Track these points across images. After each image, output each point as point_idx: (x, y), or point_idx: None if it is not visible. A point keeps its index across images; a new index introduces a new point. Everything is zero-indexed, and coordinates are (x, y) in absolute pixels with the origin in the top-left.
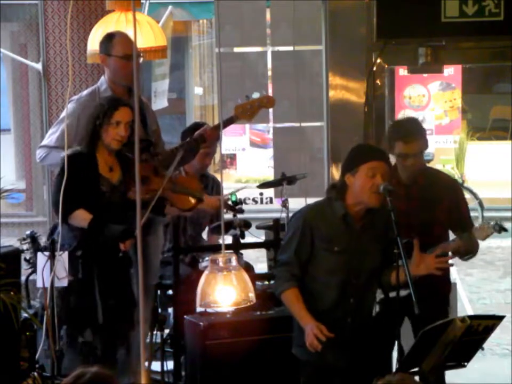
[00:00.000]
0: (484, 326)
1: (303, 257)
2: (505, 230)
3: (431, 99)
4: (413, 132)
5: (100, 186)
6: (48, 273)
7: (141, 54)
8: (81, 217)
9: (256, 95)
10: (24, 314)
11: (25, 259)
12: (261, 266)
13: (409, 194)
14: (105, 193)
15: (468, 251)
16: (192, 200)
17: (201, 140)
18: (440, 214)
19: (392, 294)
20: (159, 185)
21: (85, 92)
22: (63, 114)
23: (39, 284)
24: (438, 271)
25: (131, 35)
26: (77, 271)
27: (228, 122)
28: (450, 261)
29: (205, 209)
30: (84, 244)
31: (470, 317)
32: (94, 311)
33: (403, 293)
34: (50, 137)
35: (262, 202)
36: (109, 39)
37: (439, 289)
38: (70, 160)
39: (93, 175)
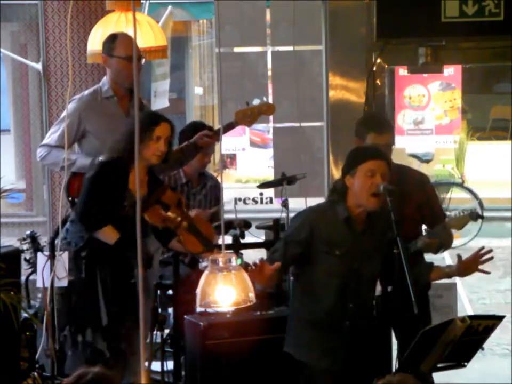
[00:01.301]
0: (484, 326)
1: (288, 253)
2: (482, 217)
3: (431, 99)
4: (384, 124)
5: (125, 200)
6: (48, 273)
7: (142, 55)
8: (110, 235)
9: (256, 102)
10: (24, 314)
11: (25, 259)
12: None
13: None
14: (125, 207)
15: (441, 244)
16: (200, 247)
17: (196, 147)
18: (410, 210)
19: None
20: (175, 217)
21: (86, 92)
22: (64, 113)
23: (39, 284)
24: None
25: (131, 35)
26: (80, 271)
27: (227, 128)
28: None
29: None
30: (90, 245)
31: (470, 317)
32: (97, 312)
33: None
34: (51, 136)
35: (262, 202)
36: (111, 40)
37: (420, 297)
38: (104, 166)
39: (122, 187)
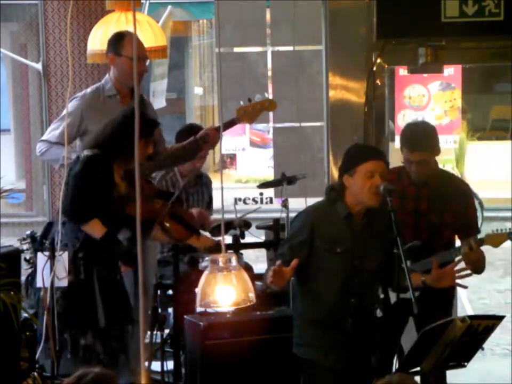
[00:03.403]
0: (484, 326)
1: (296, 256)
2: None
3: (431, 99)
4: (418, 141)
5: (113, 193)
6: (48, 273)
7: (147, 56)
8: (97, 229)
9: (258, 97)
10: (24, 314)
11: (25, 259)
12: (261, 266)
13: (420, 194)
14: (114, 200)
15: (474, 261)
16: (185, 233)
17: (204, 141)
18: (448, 217)
19: (402, 296)
20: (157, 207)
21: (89, 90)
22: (65, 111)
23: (39, 284)
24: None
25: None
26: (79, 273)
27: (229, 125)
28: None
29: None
30: (85, 246)
31: (470, 317)
32: (95, 314)
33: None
34: (52, 132)
35: (262, 202)
36: (119, 38)
37: (445, 292)
38: (89, 162)
39: (108, 181)
